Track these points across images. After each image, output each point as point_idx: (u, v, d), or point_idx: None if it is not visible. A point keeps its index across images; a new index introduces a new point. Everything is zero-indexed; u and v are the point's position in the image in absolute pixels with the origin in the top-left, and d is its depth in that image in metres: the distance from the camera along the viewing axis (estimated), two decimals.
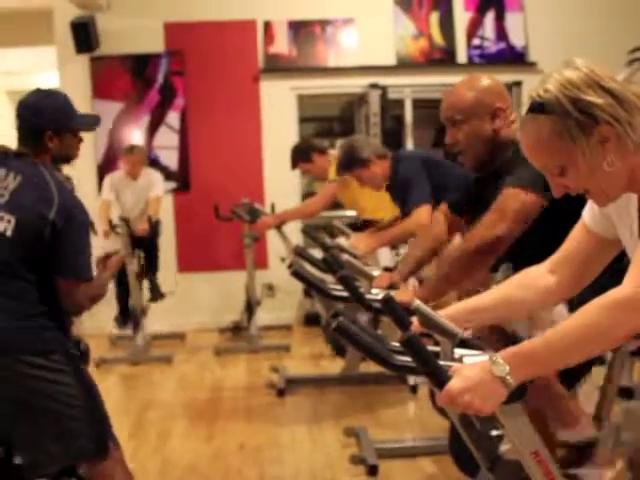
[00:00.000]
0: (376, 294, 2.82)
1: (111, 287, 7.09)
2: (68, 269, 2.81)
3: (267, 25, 7.90)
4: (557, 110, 1.77)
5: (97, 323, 7.24)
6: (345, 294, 2.85)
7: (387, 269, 3.81)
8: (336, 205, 6.89)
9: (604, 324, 1.67)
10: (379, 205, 5.44)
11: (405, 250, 5.17)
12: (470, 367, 1.71)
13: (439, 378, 1.69)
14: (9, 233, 2.72)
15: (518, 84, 7.60)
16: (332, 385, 5.70)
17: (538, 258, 2.20)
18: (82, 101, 7.71)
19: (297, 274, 3.04)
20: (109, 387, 6.01)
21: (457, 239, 3.43)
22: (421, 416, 4.97)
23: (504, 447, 1.87)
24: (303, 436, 4.71)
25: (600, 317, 1.67)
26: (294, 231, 6.79)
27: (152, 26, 7.80)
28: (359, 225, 5.80)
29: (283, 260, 6.43)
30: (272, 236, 6.95)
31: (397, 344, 1.92)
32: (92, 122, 3.13)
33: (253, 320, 7.12)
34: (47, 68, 8.43)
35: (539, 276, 2.15)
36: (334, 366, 6.03)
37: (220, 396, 5.69)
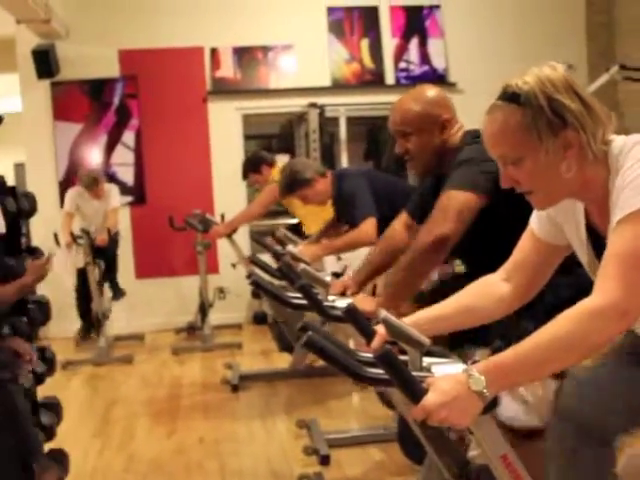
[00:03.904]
0: (333, 301, 2.64)
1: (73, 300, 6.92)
2: None
3: (213, 51, 7.67)
4: (531, 103, 1.60)
5: (63, 327, 6.96)
6: (304, 302, 2.65)
7: (336, 274, 3.63)
8: (281, 212, 6.73)
9: (576, 334, 1.49)
10: (318, 219, 5.25)
11: (346, 257, 5.02)
12: (446, 380, 1.51)
13: (415, 392, 1.48)
14: None
15: None
16: (282, 379, 5.49)
17: (490, 264, 2.05)
18: (44, 123, 7.43)
19: (257, 284, 2.84)
20: (75, 388, 5.72)
21: None
22: (366, 406, 4.80)
23: (472, 452, 1.70)
24: (258, 429, 4.50)
25: (572, 327, 1.50)
26: (242, 237, 6.58)
27: (108, 53, 7.51)
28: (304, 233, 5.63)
29: (234, 266, 6.25)
30: (222, 243, 6.73)
31: (366, 355, 1.75)
32: None
33: (206, 320, 6.90)
34: (11, 93, 8.08)
35: (494, 284, 1.99)
36: (283, 361, 5.83)
37: (179, 393, 5.43)
